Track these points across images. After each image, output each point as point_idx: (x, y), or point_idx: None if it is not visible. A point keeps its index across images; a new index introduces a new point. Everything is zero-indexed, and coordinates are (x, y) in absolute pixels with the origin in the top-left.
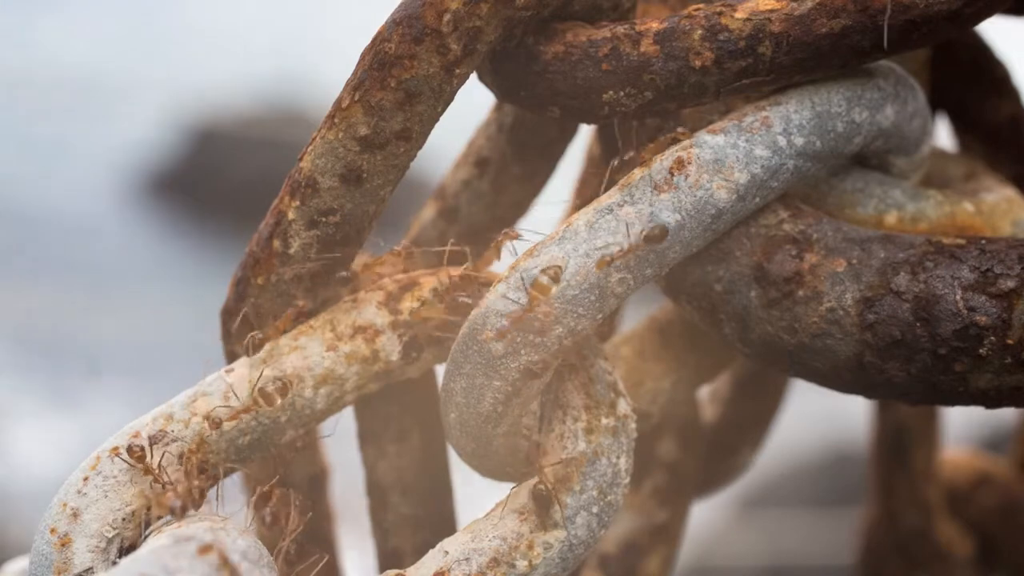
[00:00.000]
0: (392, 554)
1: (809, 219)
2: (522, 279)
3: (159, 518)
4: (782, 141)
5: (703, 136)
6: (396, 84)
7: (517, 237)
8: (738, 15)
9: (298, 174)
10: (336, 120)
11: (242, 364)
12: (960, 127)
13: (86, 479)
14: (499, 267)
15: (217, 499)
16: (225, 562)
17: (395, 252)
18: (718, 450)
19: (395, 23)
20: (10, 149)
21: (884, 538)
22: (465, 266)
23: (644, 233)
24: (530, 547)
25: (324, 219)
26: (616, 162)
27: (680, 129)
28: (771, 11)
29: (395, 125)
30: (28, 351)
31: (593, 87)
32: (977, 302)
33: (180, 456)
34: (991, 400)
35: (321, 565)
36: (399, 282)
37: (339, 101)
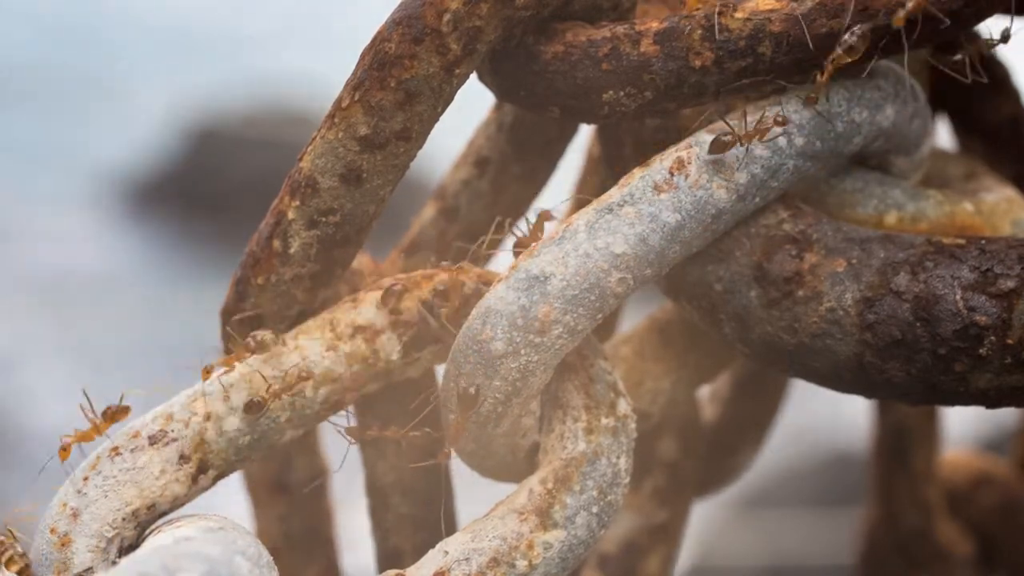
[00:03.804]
0: (392, 554)
1: (809, 219)
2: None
3: (161, 516)
4: (782, 141)
5: (703, 135)
6: (396, 84)
7: (550, 218)
8: (738, 15)
9: (298, 174)
10: (336, 120)
11: (242, 364)
12: (960, 127)
13: (86, 479)
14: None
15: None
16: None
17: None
18: (718, 450)
19: (395, 23)
20: (11, 151)
21: (884, 538)
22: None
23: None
24: (530, 547)
25: (324, 219)
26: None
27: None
28: (771, 11)
29: (395, 125)
30: (41, 353)
31: (593, 87)
32: (977, 302)
33: (180, 456)
34: (991, 400)
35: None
36: (399, 282)
37: (339, 101)
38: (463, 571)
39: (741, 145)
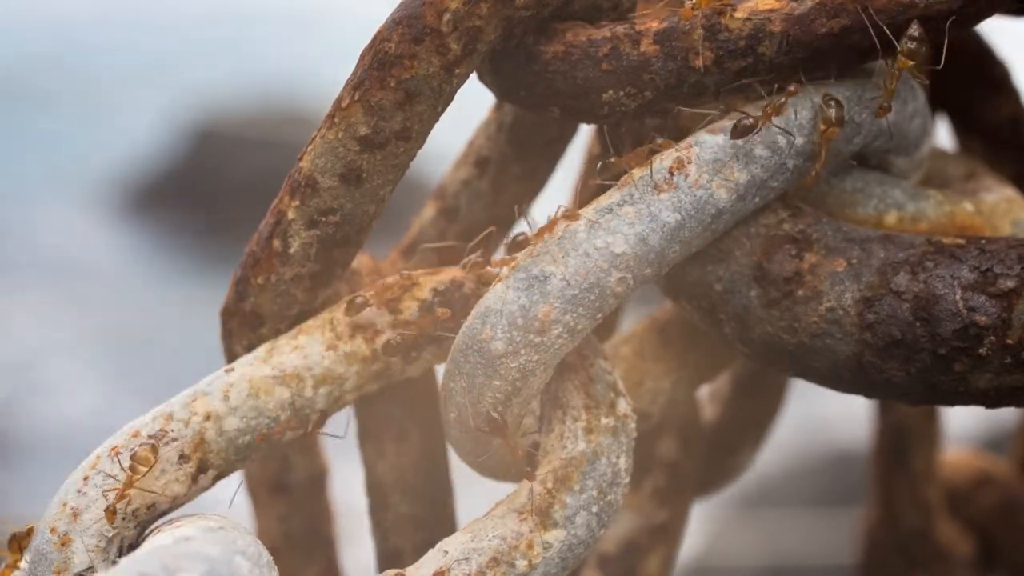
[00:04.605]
0: (392, 554)
1: (809, 219)
2: None
3: (161, 516)
4: (782, 141)
5: (703, 135)
6: (396, 84)
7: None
8: (738, 15)
9: (298, 174)
10: (336, 120)
11: (242, 363)
12: (960, 127)
13: (86, 479)
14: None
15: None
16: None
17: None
18: (718, 450)
19: (395, 23)
20: (11, 150)
21: (884, 538)
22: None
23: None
24: (530, 547)
25: (324, 219)
26: (600, 165)
27: (660, 140)
28: (771, 11)
29: (395, 125)
30: (41, 351)
31: (593, 87)
32: (977, 302)
33: (180, 456)
34: (991, 400)
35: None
36: (399, 282)
37: (339, 101)
38: (463, 571)
39: (760, 128)
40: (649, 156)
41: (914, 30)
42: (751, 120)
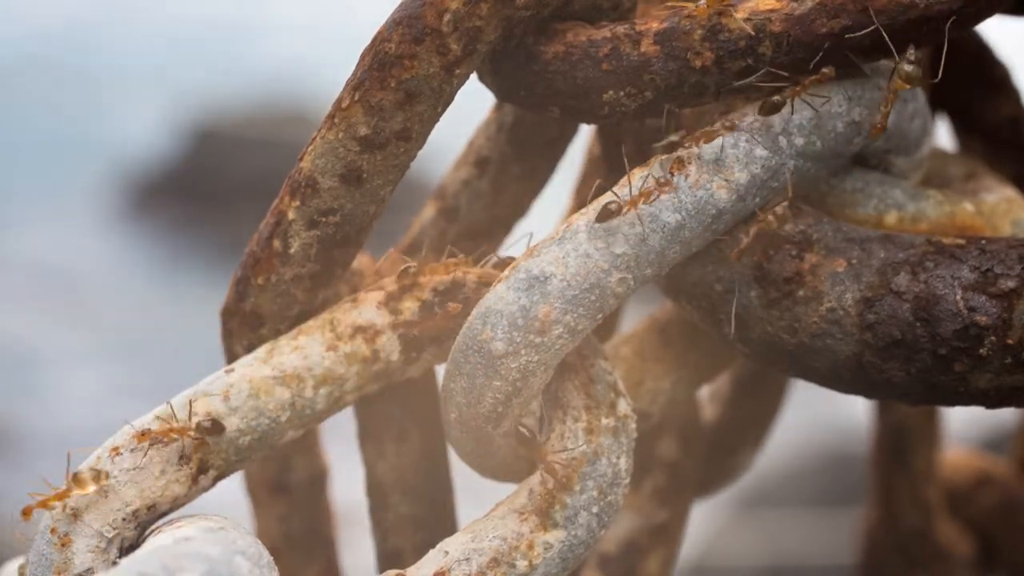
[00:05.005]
0: (392, 554)
1: (809, 219)
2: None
3: (161, 516)
4: (782, 141)
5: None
6: (396, 84)
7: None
8: (738, 15)
9: (298, 174)
10: (336, 120)
11: (242, 364)
12: (960, 127)
13: None
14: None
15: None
16: None
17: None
18: (718, 450)
19: (395, 23)
20: (11, 150)
21: (884, 538)
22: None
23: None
24: (530, 547)
25: (324, 219)
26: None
27: (730, 113)
28: (771, 11)
29: (395, 125)
30: (40, 351)
31: (593, 87)
32: (977, 302)
33: (180, 456)
34: (991, 400)
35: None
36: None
37: (339, 101)
38: (463, 571)
39: (790, 103)
40: (706, 139)
41: (911, 53)
42: (780, 98)
